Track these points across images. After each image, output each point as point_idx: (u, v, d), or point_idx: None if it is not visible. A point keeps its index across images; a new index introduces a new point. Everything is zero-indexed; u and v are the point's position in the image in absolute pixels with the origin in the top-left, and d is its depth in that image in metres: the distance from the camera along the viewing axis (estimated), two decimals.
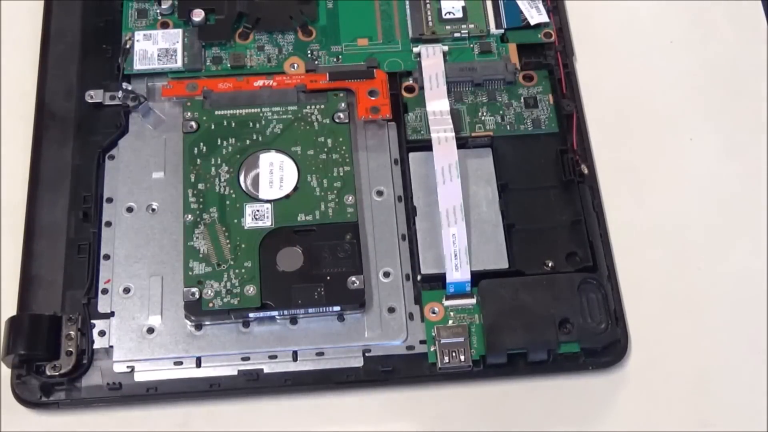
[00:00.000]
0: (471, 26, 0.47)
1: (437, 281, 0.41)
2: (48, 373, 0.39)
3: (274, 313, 0.40)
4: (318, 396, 0.40)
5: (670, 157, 0.45)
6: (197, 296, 0.40)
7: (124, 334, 0.40)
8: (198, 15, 0.46)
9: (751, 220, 0.44)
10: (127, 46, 0.46)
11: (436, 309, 0.41)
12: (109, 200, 0.43)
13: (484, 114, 0.45)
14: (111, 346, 0.40)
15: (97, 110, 0.45)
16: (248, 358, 0.40)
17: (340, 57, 0.46)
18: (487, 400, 0.40)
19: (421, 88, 0.45)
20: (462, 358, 0.40)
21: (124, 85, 0.45)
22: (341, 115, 0.44)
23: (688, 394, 0.40)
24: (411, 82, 0.46)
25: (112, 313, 0.41)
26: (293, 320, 0.41)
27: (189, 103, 0.44)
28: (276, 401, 0.40)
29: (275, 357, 0.40)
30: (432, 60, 0.45)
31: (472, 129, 0.45)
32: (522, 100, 0.46)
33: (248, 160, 0.43)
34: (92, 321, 0.41)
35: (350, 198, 0.42)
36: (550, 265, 0.42)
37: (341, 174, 0.42)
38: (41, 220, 0.43)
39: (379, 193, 0.43)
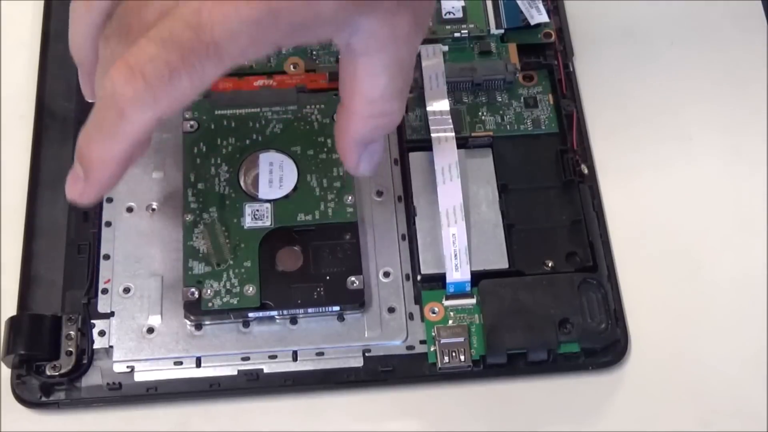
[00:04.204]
0: (471, 26, 0.47)
1: (437, 281, 0.41)
2: (48, 373, 0.39)
3: (274, 312, 0.40)
4: (318, 396, 0.40)
5: (670, 157, 0.45)
6: (197, 296, 0.40)
7: (124, 334, 0.40)
8: None
9: (752, 220, 0.44)
10: None
11: (436, 309, 0.41)
12: (109, 200, 0.43)
13: (484, 114, 0.45)
14: (111, 346, 0.40)
15: None
16: (248, 358, 0.40)
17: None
18: (487, 400, 0.40)
19: (421, 88, 0.45)
20: (462, 358, 0.40)
21: None
22: None
23: (688, 394, 0.40)
24: None
25: (112, 313, 0.41)
26: (293, 320, 0.40)
27: None
28: (276, 401, 0.40)
29: (275, 357, 0.40)
30: (432, 60, 0.45)
31: (472, 129, 0.45)
32: (522, 100, 0.46)
33: (248, 159, 0.43)
34: (92, 321, 0.40)
35: (350, 198, 0.42)
36: (550, 265, 0.42)
37: (341, 174, 0.42)
38: (41, 220, 0.43)
39: (379, 193, 0.43)
